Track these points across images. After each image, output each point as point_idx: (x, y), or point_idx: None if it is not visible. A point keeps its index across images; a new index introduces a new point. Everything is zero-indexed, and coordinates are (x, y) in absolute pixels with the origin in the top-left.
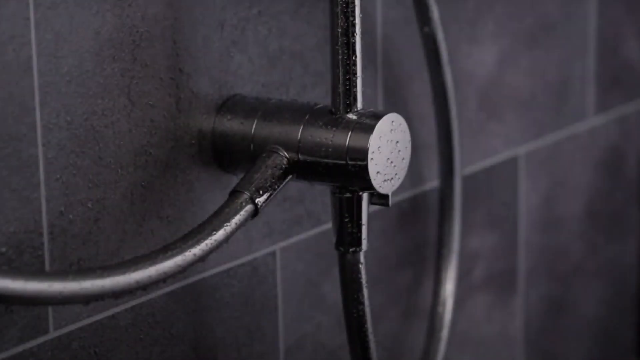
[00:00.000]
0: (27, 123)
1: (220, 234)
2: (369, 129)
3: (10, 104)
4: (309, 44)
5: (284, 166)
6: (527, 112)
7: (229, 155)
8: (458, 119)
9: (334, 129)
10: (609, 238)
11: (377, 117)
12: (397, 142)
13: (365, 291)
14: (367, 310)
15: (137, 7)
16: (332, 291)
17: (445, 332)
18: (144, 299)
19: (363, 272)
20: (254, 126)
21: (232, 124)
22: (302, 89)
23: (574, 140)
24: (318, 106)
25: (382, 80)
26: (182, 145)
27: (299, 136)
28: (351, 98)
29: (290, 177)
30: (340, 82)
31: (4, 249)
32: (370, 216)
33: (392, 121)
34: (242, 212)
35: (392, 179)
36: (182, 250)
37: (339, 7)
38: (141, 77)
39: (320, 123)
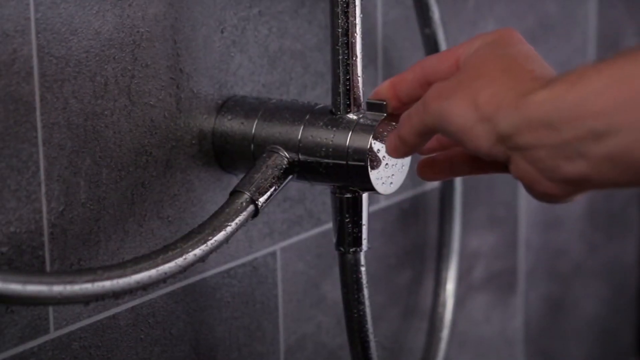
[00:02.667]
0: (27, 123)
1: (220, 234)
2: (370, 130)
3: (10, 104)
4: (309, 44)
5: (284, 166)
6: None
7: (230, 155)
8: None
9: (334, 129)
10: (609, 238)
11: (378, 117)
12: None
13: (365, 291)
14: (368, 310)
15: (138, 7)
16: (332, 291)
17: (445, 332)
18: (144, 299)
19: (363, 272)
20: (254, 126)
21: (232, 124)
22: (303, 89)
23: None
24: (318, 106)
25: (382, 80)
26: (183, 145)
27: (299, 136)
28: (351, 98)
29: (290, 177)
30: (341, 82)
31: (4, 249)
32: (370, 216)
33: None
34: (243, 212)
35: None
36: (183, 250)
37: (340, 7)
38: (141, 77)
39: (321, 123)
